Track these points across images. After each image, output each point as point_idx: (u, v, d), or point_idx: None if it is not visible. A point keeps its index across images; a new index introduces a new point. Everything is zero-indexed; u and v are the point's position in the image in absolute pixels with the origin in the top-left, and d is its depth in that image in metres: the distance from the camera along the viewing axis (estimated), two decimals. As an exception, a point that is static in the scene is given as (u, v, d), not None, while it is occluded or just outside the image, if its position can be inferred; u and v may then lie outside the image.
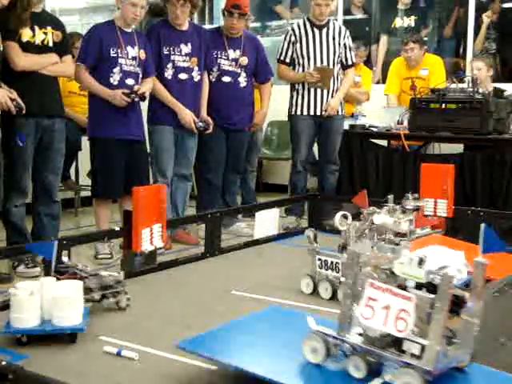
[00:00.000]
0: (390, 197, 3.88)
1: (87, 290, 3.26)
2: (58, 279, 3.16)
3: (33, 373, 2.33)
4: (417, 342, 2.18)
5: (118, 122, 4.54)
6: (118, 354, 2.82)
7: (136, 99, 4.54)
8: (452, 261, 2.32)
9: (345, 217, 3.47)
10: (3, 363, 2.29)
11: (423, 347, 2.17)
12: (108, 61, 4.50)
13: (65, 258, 3.51)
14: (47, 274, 3.27)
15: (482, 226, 2.50)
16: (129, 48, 4.57)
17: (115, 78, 4.53)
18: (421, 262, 2.23)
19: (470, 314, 2.24)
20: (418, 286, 2.24)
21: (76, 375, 2.64)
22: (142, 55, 4.65)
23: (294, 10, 8.86)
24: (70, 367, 2.73)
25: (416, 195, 4.19)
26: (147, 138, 4.93)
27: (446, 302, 2.14)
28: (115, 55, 4.51)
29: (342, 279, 2.37)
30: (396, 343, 2.23)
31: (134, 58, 4.59)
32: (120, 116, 4.54)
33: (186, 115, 4.90)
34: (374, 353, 2.25)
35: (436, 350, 2.14)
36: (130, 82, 4.58)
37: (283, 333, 2.58)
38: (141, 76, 4.67)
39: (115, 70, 4.52)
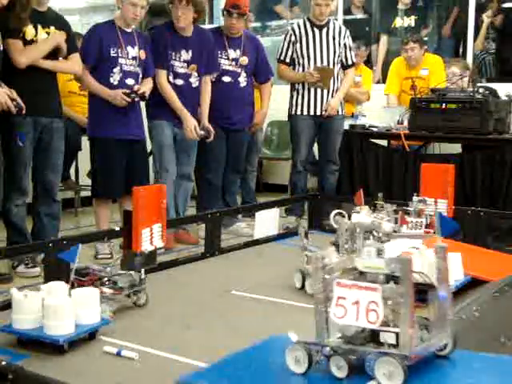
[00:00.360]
0: (380, 194, 3.89)
1: (118, 289, 3.31)
2: (80, 282, 3.18)
3: (33, 373, 2.33)
4: (391, 332, 2.25)
5: (118, 121, 4.54)
6: (118, 353, 2.82)
7: (136, 99, 4.54)
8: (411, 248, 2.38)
9: (341, 215, 3.47)
10: (3, 363, 2.28)
11: (397, 335, 2.23)
12: (108, 61, 4.50)
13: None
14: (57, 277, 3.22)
15: (436, 212, 2.55)
16: (129, 48, 4.57)
17: (115, 78, 4.53)
18: (379, 252, 2.31)
19: (439, 297, 2.34)
20: (388, 281, 2.29)
21: (76, 375, 2.64)
22: (142, 55, 4.65)
23: (294, 10, 8.87)
24: (70, 367, 2.72)
25: (426, 198, 4.18)
26: (148, 136, 4.94)
27: (408, 284, 2.20)
28: (115, 55, 4.51)
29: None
30: (373, 337, 2.29)
31: (134, 58, 4.59)
32: (120, 116, 4.54)
33: (191, 123, 4.86)
34: (354, 350, 2.30)
35: (409, 334, 2.20)
36: (130, 81, 4.58)
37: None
38: (141, 76, 4.67)
39: (115, 70, 4.52)
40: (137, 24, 4.77)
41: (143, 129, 4.79)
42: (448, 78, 6.00)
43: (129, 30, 4.60)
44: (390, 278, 2.29)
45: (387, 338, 2.25)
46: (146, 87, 4.66)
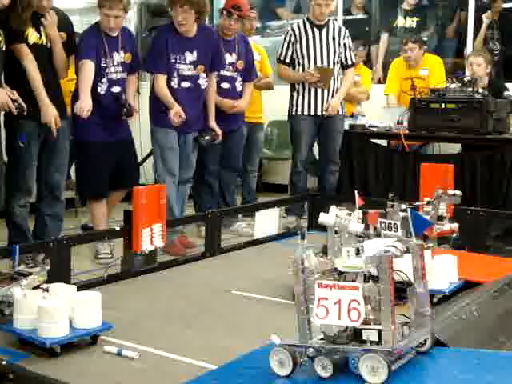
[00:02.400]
0: (391, 194, 3.90)
1: None
2: None
3: (33, 373, 2.33)
4: (373, 329, 2.29)
5: (101, 125, 4.50)
6: (119, 353, 2.83)
7: (125, 109, 4.49)
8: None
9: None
10: (3, 363, 2.29)
11: (380, 332, 2.27)
12: (98, 71, 4.45)
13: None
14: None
15: (408, 210, 2.58)
16: (115, 54, 4.52)
17: (103, 88, 4.49)
18: (358, 252, 2.34)
19: (416, 293, 2.41)
20: (367, 281, 2.34)
21: (76, 375, 2.64)
22: (128, 58, 4.60)
23: (297, 16, 8.85)
24: (70, 367, 2.73)
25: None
26: (150, 138, 4.92)
27: (388, 281, 2.24)
28: (105, 65, 4.47)
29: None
30: (356, 336, 2.33)
31: (119, 64, 4.54)
32: (103, 119, 4.49)
33: (175, 110, 4.70)
34: (337, 349, 2.33)
35: (391, 330, 2.23)
36: (115, 89, 4.54)
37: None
38: (126, 79, 4.64)
39: (104, 80, 4.49)
40: (116, 31, 4.52)
41: (128, 129, 4.75)
42: (471, 67, 5.97)
43: (114, 35, 4.53)
44: (369, 277, 2.33)
45: (370, 335, 2.29)
46: (133, 98, 4.66)
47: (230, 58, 5.24)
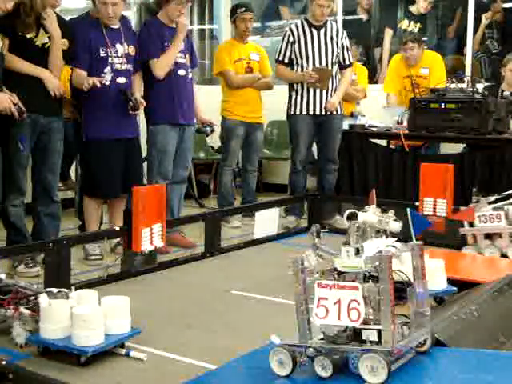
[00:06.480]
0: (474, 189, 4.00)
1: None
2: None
3: (33, 372, 2.33)
4: (373, 329, 2.29)
5: (109, 121, 4.48)
6: (127, 354, 2.82)
7: (131, 103, 4.46)
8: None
9: (355, 215, 3.44)
10: (3, 363, 2.29)
11: (379, 332, 2.27)
12: (99, 61, 4.44)
13: (1, 276, 3.19)
14: None
15: (408, 210, 2.58)
16: (117, 45, 4.52)
17: (107, 78, 4.46)
18: (357, 251, 2.34)
19: (416, 293, 2.41)
20: (366, 280, 2.33)
21: (76, 375, 2.64)
22: (132, 51, 4.61)
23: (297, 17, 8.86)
24: (70, 367, 2.73)
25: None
26: (146, 139, 4.91)
27: (388, 281, 2.23)
28: (105, 55, 4.45)
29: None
30: (355, 336, 2.33)
31: (123, 55, 4.54)
32: (111, 116, 4.48)
33: None
34: (337, 349, 2.33)
35: (390, 330, 2.23)
36: (121, 80, 4.52)
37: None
38: (132, 72, 4.63)
39: (106, 70, 4.46)
40: (115, 21, 4.50)
41: (137, 126, 4.74)
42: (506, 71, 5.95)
43: (116, 27, 4.53)
44: (369, 277, 2.33)
45: (370, 335, 2.29)
46: (140, 94, 4.65)
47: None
